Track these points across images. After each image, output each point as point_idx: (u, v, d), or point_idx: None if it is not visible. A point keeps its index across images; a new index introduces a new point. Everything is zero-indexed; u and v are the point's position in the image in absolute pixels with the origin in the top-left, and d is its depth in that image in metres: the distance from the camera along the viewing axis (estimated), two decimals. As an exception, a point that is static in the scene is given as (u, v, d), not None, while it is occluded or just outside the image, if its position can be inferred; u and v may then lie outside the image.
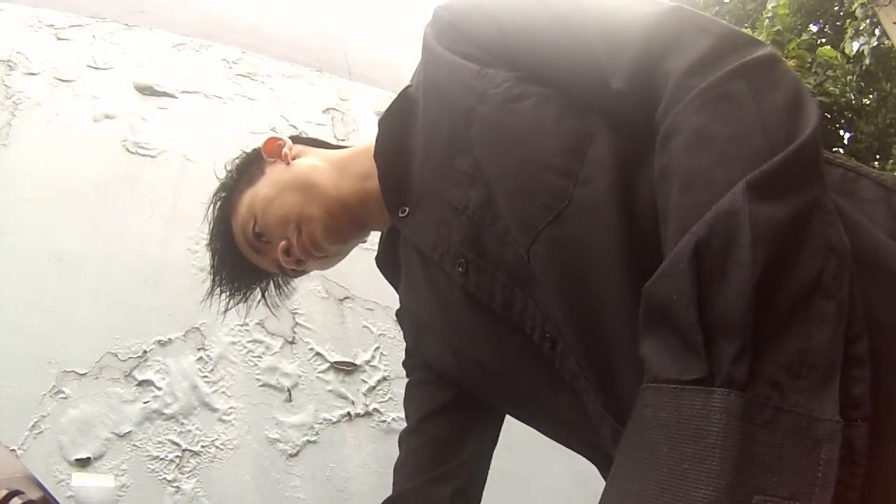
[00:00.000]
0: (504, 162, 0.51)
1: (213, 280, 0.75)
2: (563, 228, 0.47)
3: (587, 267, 0.46)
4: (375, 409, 1.26)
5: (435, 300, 0.62)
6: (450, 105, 0.56)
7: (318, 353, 1.28)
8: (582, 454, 0.60)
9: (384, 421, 1.25)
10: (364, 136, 1.72)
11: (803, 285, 0.30)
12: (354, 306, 1.40)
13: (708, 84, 0.37)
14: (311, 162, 0.71)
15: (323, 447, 1.16)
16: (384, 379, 1.31)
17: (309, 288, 1.37)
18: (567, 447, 0.61)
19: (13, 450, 0.94)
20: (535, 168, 0.49)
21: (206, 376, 1.14)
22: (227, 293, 0.75)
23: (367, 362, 1.32)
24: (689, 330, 0.31)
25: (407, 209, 0.62)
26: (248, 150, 0.77)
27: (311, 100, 1.69)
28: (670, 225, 0.36)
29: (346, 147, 0.75)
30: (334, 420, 1.21)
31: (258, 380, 1.19)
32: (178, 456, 1.04)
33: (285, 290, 0.84)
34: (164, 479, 1.01)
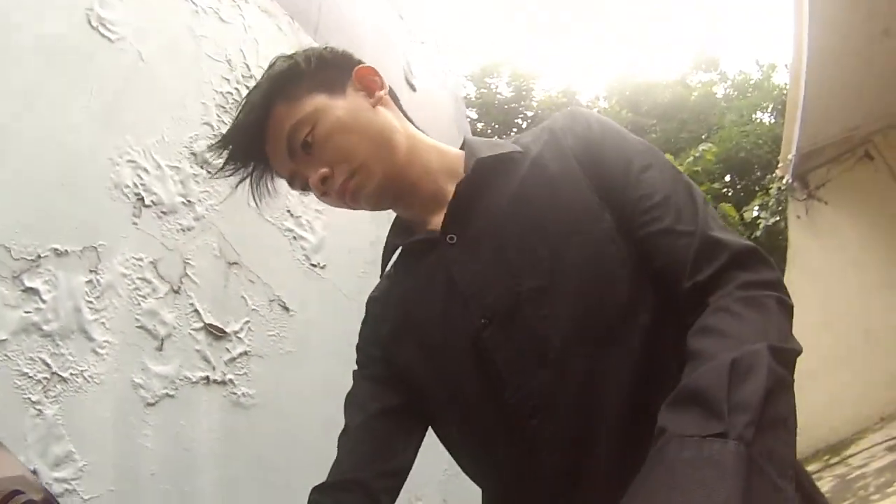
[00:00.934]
0: (580, 283, 0.60)
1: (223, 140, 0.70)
2: (596, 361, 0.59)
3: (601, 392, 0.58)
4: (231, 380, 1.32)
5: (441, 318, 0.66)
6: (559, 207, 0.63)
7: (196, 310, 1.29)
8: (483, 485, 0.72)
9: (235, 393, 1.32)
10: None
11: (780, 415, 0.45)
12: (239, 274, 1.43)
13: (751, 294, 0.54)
14: (394, 122, 0.70)
15: (178, 404, 1.18)
16: (245, 353, 1.38)
17: (206, 242, 1.36)
18: (472, 476, 0.74)
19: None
20: (601, 306, 0.60)
21: (91, 302, 1.07)
22: (222, 154, 0.70)
23: (235, 333, 1.37)
24: (718, 403, 0.44)
25: (455, 238, 0.66)
26: (337, 50, 0.73)
27: (272, 45, 1.65)
28: (709, 355, 0.50)
29: (421, 130, 0.75)
30: (194, 380, 1.24)
31: (137, 320, 1.15)
32: (46, 378, 0.97)
33: (266, 190, 0.76)
34: (29, 399, 0.93)
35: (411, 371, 0.71)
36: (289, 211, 1.68)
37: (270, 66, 0.71)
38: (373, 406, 0.75)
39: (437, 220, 0.70)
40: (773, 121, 9.40)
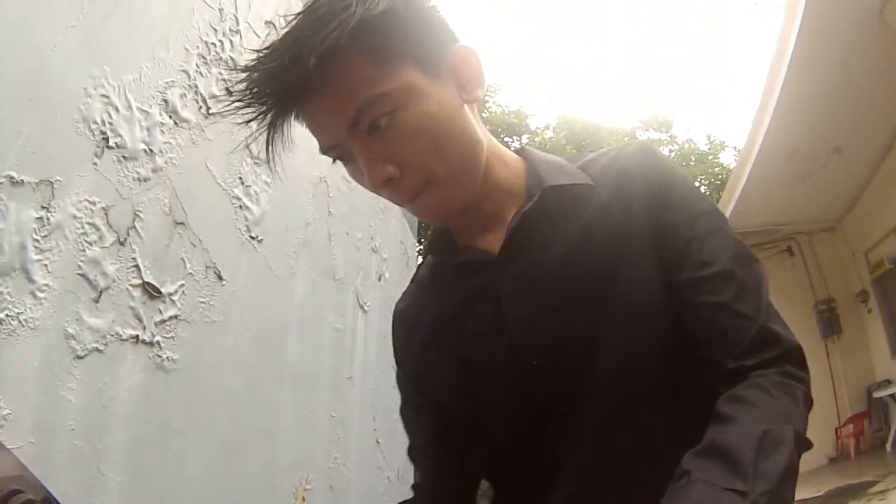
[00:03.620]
0: (622, 345, 0.60)
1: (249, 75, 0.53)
2: (627, 414, 0.60)
3: (633, 446, 0.60)
4: (158, 342, 1.28)
5: (482, 345, 0.64)
6: (619, 266, 0.61)
7: (137, 266, 1.23)
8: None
9: (160, 356, 1.29)
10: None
11: (788, 497, 0.47)
12: (183, 235, 1.39)
13: (787, 382, 0.55)
14: (479, 130, 0.61)
15: (105, 360, 1.14)
16: (175, 317, 1.34)
17: (158, 196, 1.30)
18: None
19: None
20: (639, 368, 0.60)
21: (37, 241, 1.00)
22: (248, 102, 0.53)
23: (170, 294, 1.33)
24: (745, 465, 0.46)
25: (510, 268, 0.62)
26: (438, 13, 0.57)
27: (266, 4, 1.60)
28: (742, 421, 0.51)
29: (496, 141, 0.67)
30: (123, 337, 1.19)
31: (79, 267, 1.09)
32: (-20, 316, 0.90)
33: (283, 144, 0.60)
34: (-41, 336, 0.87)
35: (440, 387, 0.70)
36: (240, 178, 1.64)
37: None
38: (420, 437, 0.76)
39: (490, 240, 0.65)
40: (707, 194, 9.92)
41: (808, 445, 0.52)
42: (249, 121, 0.56)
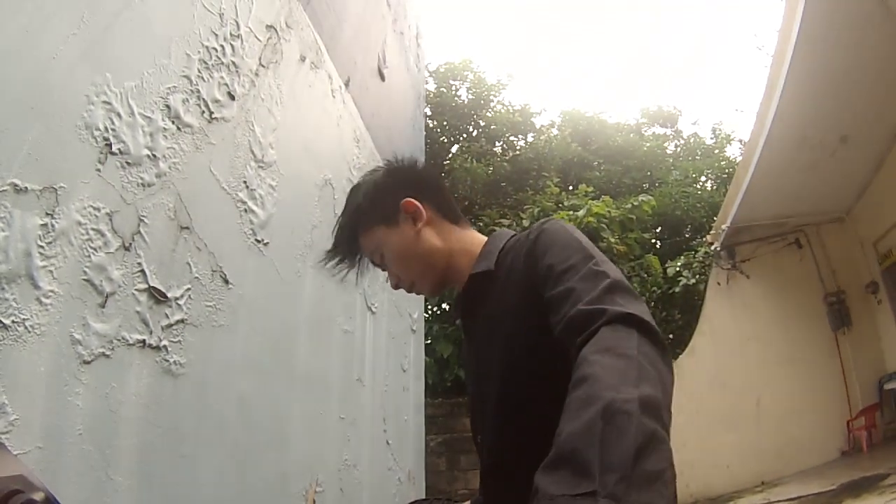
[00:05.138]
0: (501, 374, 0.84)
1: (333, 253, 0.99)
2: (508, 423, 0.83)
3: (516, 447, 0.81)
4: (165, 346, 1.29)
5: (468, 368, 1.00)
6: (504, 318, 0.84)
7: (142, 271, 1.24)
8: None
9: (167, 360, 1.29)
10: (263, 85, 1.70)
11: (654, 469, 0.47)
12: (189, 240, 1.39)
13: (606, 336, 0.60)
14: (435, 242, 0.95)
15: (112, 364, 1.14)
16: (182, 321, 1.35)
17: (162, 201, 1.31)
18: None
19: None
20: (513, 388, 0.82)
21: (42, 247, 1.00)
22: (336, 262, 0.99)
23: (176, 299, 1.33)
24: (588, 464, 0.46)
25: (464, 325, 0.97)
26: (381, 182, 0.97)
27: (266, 9, 1.60)
28: (580, 402, 0.53)
29: (459, 223, 0.99)
30: (130, 342, 1.19)
31: (85, 273, 1.09)
32: (-13, 323, 0.90)
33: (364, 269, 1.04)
34: (-34, 343, 0.87)
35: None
36: (245, 182, 1.65)
37: (350, 197, 0.99)
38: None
39: None
40: (714, 188, 9.74)
41: (660, 403, 0.53)
42: (342, 268, 1.02)
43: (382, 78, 2.55)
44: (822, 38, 3.90)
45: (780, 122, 4.57)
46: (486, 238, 0.99)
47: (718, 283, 6.10)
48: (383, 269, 1.00)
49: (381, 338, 2.83)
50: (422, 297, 3.70)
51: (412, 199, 0.95)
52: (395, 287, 0.99)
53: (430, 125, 9.26)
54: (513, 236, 0.95)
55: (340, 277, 1.03)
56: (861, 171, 5.45)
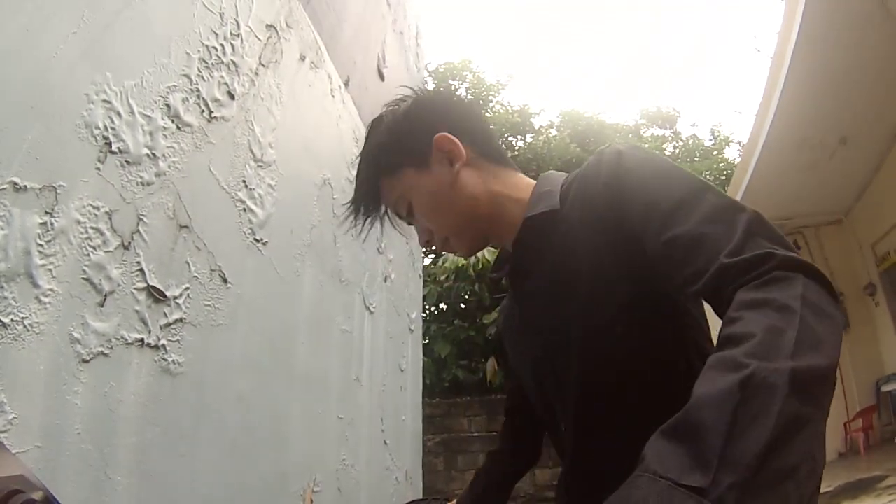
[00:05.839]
0: (584, 342, 0.72)
1: (353, 203, 0.86)
2: (596, 397, 0.71)
3: (607, 423, 0.69)
4: (164, 346, 1.29)
5: (517, 339, 0.88)
6: (580, 274, 0.70)
7: (141, 270, 1.24)
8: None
9: (165, 360, 1.29)
10: (263, 84, 1.70)
11: (788, 465, 0.38)
12: (188, 238, 1.39)
13: (765, 283, 0.50)
14: (476, 187, 0.79)
15: (111, 363, 1.14)
16: (180, 320, 1.35)
17: (162, 200, 1.31)
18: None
19: None
20: (602, 362, 0.70)
21: (41, 246, 1.01)
22: (356, 214, 0.86)
23: (175, 298, 1.33)
24: (710, 452, 0.38)
25: (516, 285, 0.83)
26: (410, 113, 0.81)
27: (266, 8, 1.60)
28: (720, 362, 0.44)
29: (504, 165, 0.82)
30: (129, 341, 1.19)
31: (84, 272, 1.09)
32: (-14, 321, 0.90)
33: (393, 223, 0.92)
34: (-35, 342, 0.87)
35: (515, 372, 0.94)
36: (244, 181, 1.65)
37: (371, 130, 0.85)
38: (508, 402, 1.10)
39: None
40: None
41: (820, 376, 0.43)
42: (360, 216, 0.88)
43: (382, 78, 2.56)
44: (822, 39, 3.91)
45: (780, 123, 4.58)
46: (535, 182, 0.83)
47: None
48: (409, 223, 0.84)
49: (379, 337, 2.83)
50: (419, 296, 3.70)
51: (448, 135, 0.78)
52: (426, 245, 0.82)
53: (430, 125, 9.26)
54: (571, 175, 0.79)
55: (363, 236, 0.88)
56: (860, 172, 5.46)
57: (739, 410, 0.40)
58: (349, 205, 0.85)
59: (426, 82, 8.78)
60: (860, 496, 4.12)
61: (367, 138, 0.85)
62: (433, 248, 0.82)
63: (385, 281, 2.99)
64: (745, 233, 0.56)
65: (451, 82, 10.06)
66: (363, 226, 0.86)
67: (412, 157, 0.79)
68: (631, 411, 0.65)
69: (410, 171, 0.79)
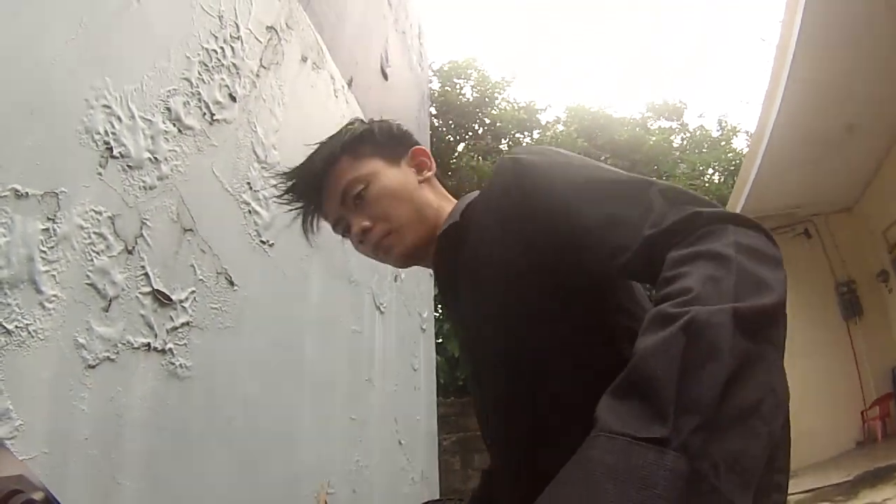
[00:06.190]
0: (496, 331, 0.72)
1: (292, 174, 0.86)
2: (509, 383, 0.71)
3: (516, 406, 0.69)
4: (170, 350, 1.28)
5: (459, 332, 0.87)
6: (488, 273, 0.72)
7: (146, 274, 1.23)
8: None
9: (173, 364, 1.28)
10: (263, 86, 1.69)
11: (747, 402, 0.37)
12: (192, 241, 1.38)
13: (696, 239, 0.48)
14: (432, 201, 0.85)
15: (117, 368, 1.13)
16: (187, 324, 1.34)
17: (165, 204, 1.30)
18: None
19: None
20: (513, 347, 0.69)
21: (44, 252, 1.00)
22: (290, 195, 0.86)
23: (181, 301, 1.33)
24: (665, 401, 0.36)
25: (445, 295, 0.85)
26: (396, 126, 0.88)
27: (266, 11, 1.60)
28: (660, 315, 0.42)
29: (453, 201, 0.87)
30: (135, 346, 1.19)
31: (88, 277, 1.09)
32: (-10, 328, 0.90)
33: (312, 227, 0.92)
34: (-30, 349, 0.87)
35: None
36: (248, 183, 1.64)
37: (349, 124, 0.87)
38: None
39: None
40: (721, 181, 9.75)
41: (762, 313, 0.42)
42: (293, 210, 0.90)
43: (385, 77, 2.55)
44: (827, 26, 3.86)
45: (786, 112, 4.53)
46: None
47: None
48: (339, 216, 0.83)
49: (390, 338, 2.82)
50: (430, 294, 3.68)
51: (427, 150, 0.87)
52: (361, 233, 0.79)
53: (436, 124, 9.28)
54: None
55: (291, 216, 0.90)
56: (868, 160, 5.39)
57: (687, 353, 0.38)
58: (294, 173, 0.85)
59: (431, 81, 8.78)
60: (878, 485, 4.06)
61: (344, 128, 0.87)
62: (361, 242, 0.81)
63: (395, 280, 2.98)
64: (663, 202, 0.54)
65: (455, 80, 10.05)
66: (285, 201, 0.88)
67: (385, 151, 0.84)
68: (563, 412, 0.63)
69: (378, 161, 0.82)
